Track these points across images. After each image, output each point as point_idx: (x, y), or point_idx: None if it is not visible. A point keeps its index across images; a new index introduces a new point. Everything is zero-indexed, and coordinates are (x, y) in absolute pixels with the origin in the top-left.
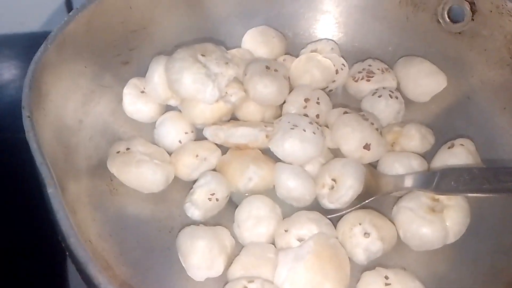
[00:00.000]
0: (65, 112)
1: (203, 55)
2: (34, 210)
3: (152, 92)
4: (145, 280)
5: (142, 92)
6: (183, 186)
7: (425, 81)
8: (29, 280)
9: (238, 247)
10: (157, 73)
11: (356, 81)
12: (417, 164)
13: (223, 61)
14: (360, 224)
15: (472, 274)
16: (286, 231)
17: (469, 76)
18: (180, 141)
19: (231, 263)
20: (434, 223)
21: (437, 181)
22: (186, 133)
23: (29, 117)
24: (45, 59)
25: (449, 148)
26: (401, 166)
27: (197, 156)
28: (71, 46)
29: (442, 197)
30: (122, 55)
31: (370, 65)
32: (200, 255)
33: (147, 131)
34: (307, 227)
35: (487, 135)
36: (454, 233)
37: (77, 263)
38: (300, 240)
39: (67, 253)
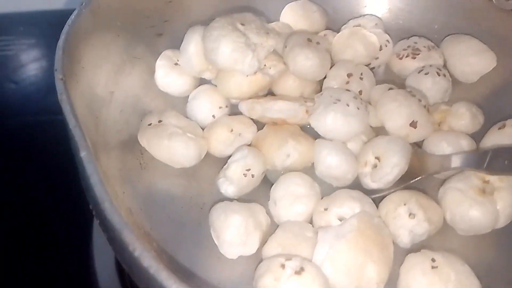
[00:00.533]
0: (96, 81)
1: (242, 24)
2: (56, 192)
3: (187, 64)
4: (175, 256)
5: (176, 64)
6: (216, 162)
7: (474, 60)
8: (54, 249)
9: (274, 227)
10: (193, 43)
11: (401, 58)
12: (466, 144)
13: (263, 31)
14: (405, 204)
15: None
16: (326, 209)
17: None
18: (213, 116)
19: (266, 241)
20: (484, 205)
21: (489, 160)
22: (220, 107)
23: (62, 79)
24: (78, 23)
25: (499, 128)
26: (449, 146)
27: (231, 130)
28: (105, 13)
29: (493, 178)
30: (156, 26)
31: (415, 43)
32: (234, 230)
33: (180, 106)
34: (349, 205)
35: None
36: (506, 216)
37: (110, 230)
38: (340, 219)
39: (98, 221)
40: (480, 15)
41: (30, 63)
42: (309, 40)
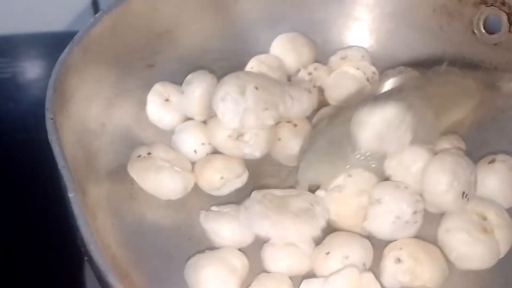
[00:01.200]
0: (88, 115)
1: (256, 88)
2: (55, 211)
3: (187, 106)
4: None
5: (167, 100)
6: (204, 194)
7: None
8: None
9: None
10: (199, 90)
11: None
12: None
13: (266, 105)
14: (400, 249)
15: None
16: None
17: (504, 89)
18: (195, 151)
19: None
20: (489, 243)
21: None
22: (203, 144)
23: (52, 119)
24: (70, 61)
25: (489, 163)
26: None
27: (221, 178)
28: (96, 49)
29: (490, 216)
30: (146, 58)
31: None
32: (207, 284)
33: (169, 137)
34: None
35: None
36: (504, 252)
37: (96, 270)
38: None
39: (85, 258)
40: (465, 47)
41: (28, 84)
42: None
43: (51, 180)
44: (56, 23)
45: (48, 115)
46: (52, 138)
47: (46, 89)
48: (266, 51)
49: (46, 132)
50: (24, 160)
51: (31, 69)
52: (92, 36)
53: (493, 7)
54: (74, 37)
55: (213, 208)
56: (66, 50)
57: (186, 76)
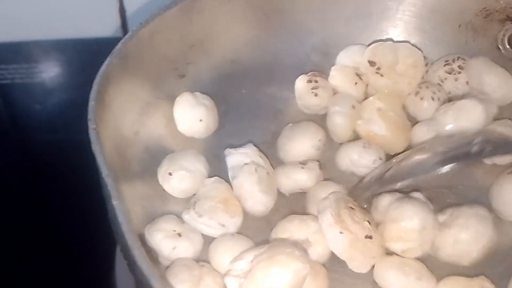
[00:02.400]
0: (123, 123)
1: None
2: (81, 210)
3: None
4: None
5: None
6: None
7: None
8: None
9: None
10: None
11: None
12: None
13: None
14: None
15: None
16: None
17: None
18: None
19: None
20: None
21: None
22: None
23: (95, 129)
24: (109, 73)
25: (508, 174)
26: None
27: None
28: (133, 60)
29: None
30: (179, 69)
31: None
32: None
33: (199, 143)
34: None
35: None
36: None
37: (139, 276)
38: None
39: (128, 267)
40: None
41: (56, 88)
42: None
43: (78, 180)
44: (83, 29)
45: (91, 125)
46: (95, 148)
47: (71, 91)
48: (296, 65)
49: (70, 132)
50: (50, 159)
51: (59, 74)
52: (129, 48)
53: None
54: (113, 50)
55: None
56: (106, 62)
57: (215, 86)
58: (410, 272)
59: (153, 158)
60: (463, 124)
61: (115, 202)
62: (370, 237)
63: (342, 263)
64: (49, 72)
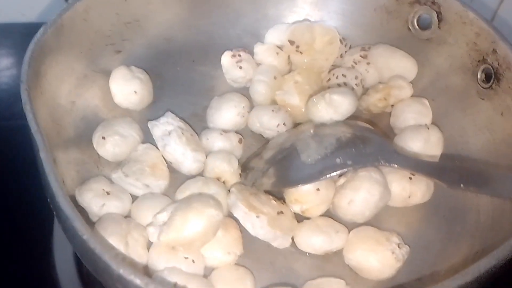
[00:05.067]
0: (59, 92)
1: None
2: (25, 195)
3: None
4: None
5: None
6: None
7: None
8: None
9: None
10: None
11: None
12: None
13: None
14: None
15: (423, 258)
16: None
17: (435, 80)
18: None
19: None
20: None
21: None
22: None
23: (26, 90)
24: (43, 41)
25: None
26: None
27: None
28: (68, 32)
29: None
30: (115, 44)
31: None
32: None
33: (134, 115)
34: None
35: (450, 132)
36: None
37: (63, 220)
38: None
39: (54, 213)
40: (403, 43)
41: (1, 71)
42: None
43: (22, 165)
44: (29, 14)
45: (23, 86)
46: (26, 107)
47: (17, 78)
48: (228, 46)
49: (19, 118)
50: None
51: (4, 58)
52: (64, 20)
53: (425, 6)
54: (48, 20)
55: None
56: (41, 30)
57: (151, 62)
58: (326, 229)
59: (89, 127)
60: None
61: (42, 154)
62: (282, 212)
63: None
64: None
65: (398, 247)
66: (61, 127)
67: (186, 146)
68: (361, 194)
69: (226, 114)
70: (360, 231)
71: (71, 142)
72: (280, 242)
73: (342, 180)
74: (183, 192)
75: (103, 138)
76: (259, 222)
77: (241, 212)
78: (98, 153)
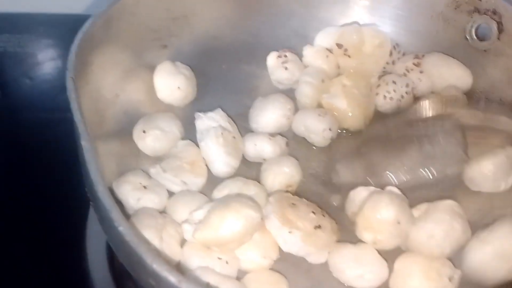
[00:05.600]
0: (104, 84)
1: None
2: (65, 188)
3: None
4: None
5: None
6: None
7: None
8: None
9: None
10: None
11: None
12: None
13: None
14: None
15: None
16: None
17: (490, 92)
18: None
19: None
20: None
21: None
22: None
23: (72, 78)
24: (91, 32)
25: None
26: None
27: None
28: (116, 25)
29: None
30: (162, 39)
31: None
32: None
33: (176, 111)
34: None
35: None
36: None
37: (100, 211)
38: None
39: (91, 204)
40: (458, 52)
41: (46, 62)
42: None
43: (63, 157)
44: (75, 5)
45: (69, 74)
46: (71, 95)
47: (62, 70)
48: (275, 46)
49: (61, 110)
50: (38, 137)
51: (49, 49)
52: (113, 12)
53: (485, 15)
54: (97, 12)
55: None
56: (89, 21)
57: (196, 59)
58: (365, 261)
59: (131, 121)
60: None
61: (83, 142)
62: (319, 226)
63: None
64: (40, 45)
65: (450, 280)
66: (103, 118)
67: (220, 147)
68: (443, 227)
69: (271, 115)
70: (407, 259)
71: (112, 134)
72: (315, 258)
73: (416, 213)
74: (221, 191)
75: (144, 132)
76: (292, 238)
77: (274, 226)
78: (137, 147)
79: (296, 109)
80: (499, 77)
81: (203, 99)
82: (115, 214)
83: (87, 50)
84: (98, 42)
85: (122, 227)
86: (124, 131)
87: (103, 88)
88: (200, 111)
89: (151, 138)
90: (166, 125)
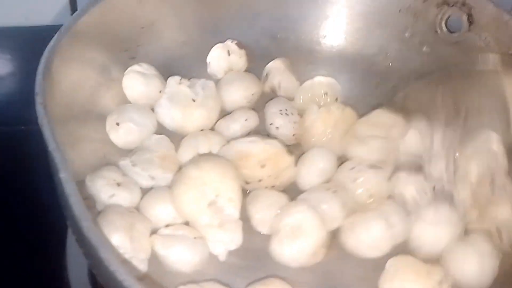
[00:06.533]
0: (74, 102)
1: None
2: (29, 201)
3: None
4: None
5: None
6: None
7: None
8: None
9: None
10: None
11: None
12: None
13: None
14: None
15: None
16: None
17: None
18: None
19: None
20: None
21: None
22: None
23: (42, 103)
24: (58, 49)
25: None
26: None
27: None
28: (83, 38)
29: None
30: (130, 51)
31: None
32: None
33: None
34: None
35: None
36: None
37: (87, 246)
38: None
39: (77, 242)
40: (428, 46)
41: (5, 77)
42: None
43: (26, 171)
44: (35, 17)
45: (39, 100)
46: (43, 122)
47: (19, 81)
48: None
49: (19, 123)
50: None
51: (8, 62)
52: (79, 26)
53: (454, 7)
54: (62, 27)
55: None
56: (55, 38)
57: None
58: None
59: (104, 138)
60: None
61: (62, 175)
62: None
63: None
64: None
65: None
66: (75, 139)
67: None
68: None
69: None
70: (399, 261)
71: (87, 156)
72: None
73: None
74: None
75: (117, 124)
76: None
77: None
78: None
79: None
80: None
81: None
82: (105, 254)
83: (54, 69)
84: (65, 59)
85: (112, 266)
86: (97, 151)
87: (74, 107)
88: None
89: (123, 131)
90: (140, 118)
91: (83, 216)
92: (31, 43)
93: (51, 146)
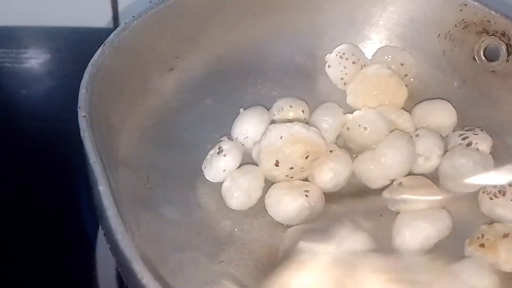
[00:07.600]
0: (113, 114)
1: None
2: (61, 199)
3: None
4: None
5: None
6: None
7: None
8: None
9: None
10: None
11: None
12: None
13: None
14: None
15: None
16: None
17: (500, 112)
18: None
19: None
20: None
21: None
22: None
23: (84, 117)
24: (100, 63)
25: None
26: None
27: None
28: (124, 51)
29: None
30: (168, 62)
31: None
32: None
33: None
34: None
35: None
36: None
37: (122, 259)
38: None
39: (111, 251)
40: (465, 73)
41: (44, 75)
42: None
43: (65, 167)
44: (74, 18)
45: (81, 113)
46: (84, 135)
47: (58, 79)
48: (280, 64)
49: (56, 120)
50: (35, 146)
51: (46, 60)
52: (122, 40)
53: (494, 37)
54: (106, 40)
55: None
56: (99, 52)
57: (203, 80)
58: None
59: (140, 147)
60: None
61: (101, 188)
62: None
63: None
64: (38, 58)
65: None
66: (112, 149)
67: None
68: None
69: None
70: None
71: (121, 165)
72: None
73: None
74: None
75: (233, 195)
76: None
77: None
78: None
79: None
80: (507, 98)
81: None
82: (136, 266)
83: (97, 83)
84: (107, 73)
85: (145, 279)
86: (132, 160)
87: (112, 118)
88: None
89: (236, 199)
90: (250, 186)
91: (118, 229)
92: (70, 44)
93: (92, 159)
